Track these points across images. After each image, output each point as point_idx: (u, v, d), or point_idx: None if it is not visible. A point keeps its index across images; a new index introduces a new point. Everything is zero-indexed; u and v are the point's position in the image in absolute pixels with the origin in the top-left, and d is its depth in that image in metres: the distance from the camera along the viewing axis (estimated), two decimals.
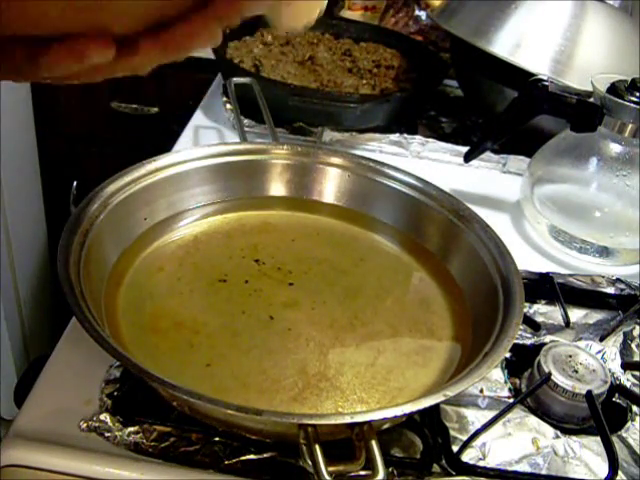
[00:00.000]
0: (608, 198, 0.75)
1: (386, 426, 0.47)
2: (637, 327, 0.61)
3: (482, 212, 0.61)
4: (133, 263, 0.56)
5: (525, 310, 0.53)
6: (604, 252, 0.73)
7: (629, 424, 0.53)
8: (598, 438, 0.50)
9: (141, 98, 1.34)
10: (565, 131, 0.75)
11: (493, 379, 0.55)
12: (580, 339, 0.60)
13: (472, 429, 0.50)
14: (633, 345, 0.60)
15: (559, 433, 0.51)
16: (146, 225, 0.59)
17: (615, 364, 0.58)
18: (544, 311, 0.63)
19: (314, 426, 0.39)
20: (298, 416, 0.41)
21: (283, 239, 0.63)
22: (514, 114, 0.75)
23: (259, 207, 0.65)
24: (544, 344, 0.56)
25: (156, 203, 0.60)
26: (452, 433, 0.49)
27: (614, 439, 0.50)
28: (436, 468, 0.47)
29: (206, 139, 0.87)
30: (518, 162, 0.86)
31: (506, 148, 0.86)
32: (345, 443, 0.40)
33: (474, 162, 0.82)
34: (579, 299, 0.64)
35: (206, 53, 1.00)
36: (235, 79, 0.81)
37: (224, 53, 0.94)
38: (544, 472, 0.48)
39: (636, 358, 0.59)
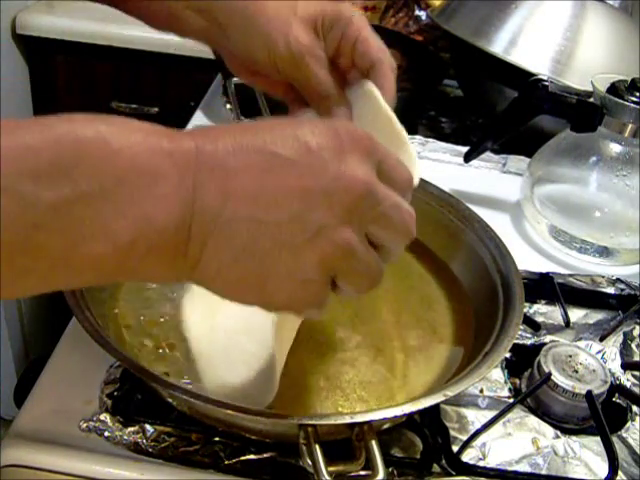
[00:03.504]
0: (608, 198, 0.75)
1: (386, 426, 0.47)
2: (637, 327, 0.61)
3: (482, 212, 0.60)
4: None
5: (525, 310, 0.53)
6: (604, 252, 0.73)
7: (629, 424, 0.53)
8: (598, 438, 0.50)
9: (141, 98, 1.34)
10: (565, 131, 0.75)
11: (493, 379, 0.55)
12: (580, 339, 0.60)
13: (472, 429, 0.50)
14: (633, 345, 0.60)
15: (559, 433, 0.51)
16: None
17: (615, 364, 0.58)
18: (544, 311, 0.63)
19: (314, 426, 0.39)
20: (298, 416, 0.41)
21: None
22: (514, 114, 0.75)
23: None
24: (544, 344, 0.56)
25: None
26: (452, 433, 0.49)
27: (614, 439, 0.50)
28: (436, 468, 0.47)
29: None
30: (518, 162, 0.86)
31: (506, 148, 0.86)
32: (345, 443, 0.40)
33: (474, 162, 0.82)
34: (579, 299, 0.64)
35: (206, 53, 1.00)
36: (235, 79, 0.81)
37: None
38: (544, 472, 0.48)
39: (636, 358, 0.59)
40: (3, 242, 0.28)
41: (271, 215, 0.32)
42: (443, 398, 0.43)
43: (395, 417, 0.42)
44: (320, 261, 0.34)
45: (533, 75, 0.75)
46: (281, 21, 0.48)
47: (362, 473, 0.39)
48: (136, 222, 0.30)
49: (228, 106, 0.87)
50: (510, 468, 0.48)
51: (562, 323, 0.62)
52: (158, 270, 0.33)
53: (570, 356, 0.54)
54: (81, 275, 0.32)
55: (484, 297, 0.55)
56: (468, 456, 0.48)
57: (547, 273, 0.65)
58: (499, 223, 0.60)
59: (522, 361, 0.57)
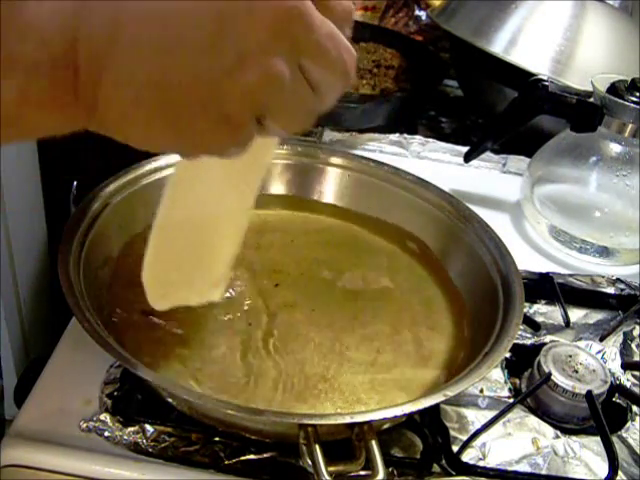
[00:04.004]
0: (608, 198, 0.75)
1: (386, 426, 0.47)
2: (637, 327, 0.61)
3: (482, 212, 0.60)
4: (133, 263, 0.56)
5: (525, 310, 0.53)
6: (604, 252, 0.73)
7: (629, 424, 0.53)
8: (598, 438, 0.50)
9: None
10: (565, 131, 0.75)
11: (493, 379, 0.55)
12: (580, 339, 0.60)
13: (472, 429, 0.50)
14: (633, 345, 0.60)
15: (559, 433, 0.51)
16: (146, 225, 0.59)
17: (615, 364, 0.58)
18: (544, 311, 0.63)
19: (314, 426, 0.39)
20: (298, 416, 0.41)
21: (283, 239, 0.63)
22: (514, 114, 0.75)
23: (259, 207, 0.64)
24: (544, 344, 0.56)
25: (156, 203, 0.60)
26: (452, 433, 0.49)
27: (614, 439, 0.50)
28: (436, 468, 0.47)
29: None
30: (518, 162, 0.86)
31: (506, 148, 0.86)
32: (345, 443, 0.40)
33: (474, 162, 0.82)
34: (579, 299, 0.64)
35: None
36: None
37: None
38: (544, 472, 0.48)
39: (636, 358, 0.59)
40: None
41: (180, 40, 0.27)
42: (443, 398, 0.43)
43: (395, 417, 0.42)
44: (243, 94, 0.28)
45: (533, 75, 0.75)
46: None
47: (362, 473, 0.39)
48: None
49: None
50: (510, 468, 0.48)
51: (562, 323, 0.62)
52: (44, 120, 0.28)
53: (570, 356, 0.54)
54: None
55: (484, 297, 0.55)
56: (468, 456, 0.48)
57: (547, 273, 0.65)
58: (499, 223, 0.60)
59: (522, 361, 0.56)
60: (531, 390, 0.53)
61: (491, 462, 0.48)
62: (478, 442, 0.49)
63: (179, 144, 0.31)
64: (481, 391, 0.54)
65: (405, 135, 0.87)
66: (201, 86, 0.28)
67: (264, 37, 0.28)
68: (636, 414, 0.53)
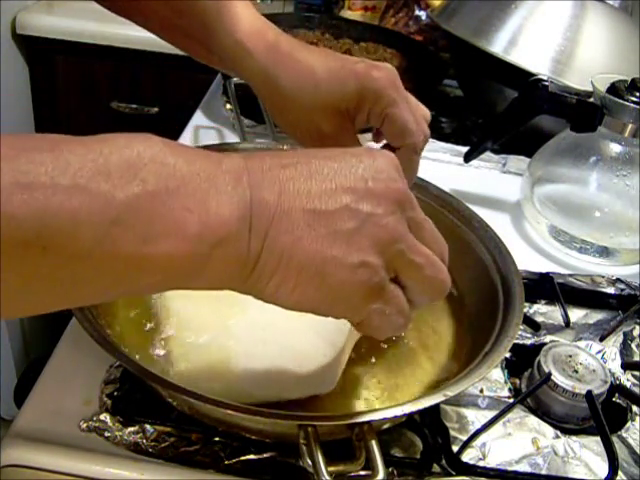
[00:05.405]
0: (608, 198, 0.75)
1: (386, 426, 0.47)
2: (637, 327, 0.61)
3: (482, 212, 0.60)
4: None
5: (525, 310, 0.53)
6: (604, 252, 0.73)
7: (629, 424, 0.53)
8: (598, 438, 0.50)
9: (141, 98, 1.34)
10: (565, 131, 0.75)
11: (493, 379, 0.55)
12: (580, 339, 0.60)
13: (472, 429, 0.50)
14: (633, 345, 0.60)
15: (559, 433, 0.51)
16: None
17: (615, 364, 0.58)
18: (544, 311, 0.63)
19: (314, 426, 0.39)
20: (298, 416, 0.41)
21: None
22: (514, 114, 0.75)
23: None
24: (544, 344, 0.56)
25: None
26: (452, 433, 0.49)
27: (614, 439, 0.50)
28: (436, 468, 0.47)
29: (206, 139, 0.87)
30: (518, 162, 0.86)
31: (506, 148, 0.86)
32: (345, 443, 0.40)
33: (474, 162, 0.82)
34: (579, 299, 0.64)
35: None
36: (235, 79, 0.81)
37: None
38: (544, 472, 0.48)
39: (636, 358, 0.59)
40: (86, 238, 0.29)
41: (323, 205, 0.35)
42: (443, 398, 0.43)
43: (395, 417, 0.42)
44: (372, 241, 0.36)
45: (533, 75, 0.75)
46: (304, 112, 0.52)
47: (362, 473, 0.39)
48: (201, 216, 0.32)
49: (228, 106, 0.87)
50: (510, 468, 0.48)
51: (562, 323, 0.62)
52: (219, 273, 0.34)
53: (570, 356, 0.54)
54: (151, 276, 0.33)
55: (484, 297, 0.55)
56: (468, 456, 0.48)
57: (547, 273, 0.65)
58: (499, 223, 0.60)
59: (522, 361, 0.57)
60: (531, 390, 0.53)
61: (491, 462, 0.48)
62: (478, 442, 0.49)
63: (322, 301, 0.37)
64: (481, 391, 0.54)
65: None
66: (339, 239, 0.35)
67: (385, 204, 0.36)
68: (636, 414, 0.53)
